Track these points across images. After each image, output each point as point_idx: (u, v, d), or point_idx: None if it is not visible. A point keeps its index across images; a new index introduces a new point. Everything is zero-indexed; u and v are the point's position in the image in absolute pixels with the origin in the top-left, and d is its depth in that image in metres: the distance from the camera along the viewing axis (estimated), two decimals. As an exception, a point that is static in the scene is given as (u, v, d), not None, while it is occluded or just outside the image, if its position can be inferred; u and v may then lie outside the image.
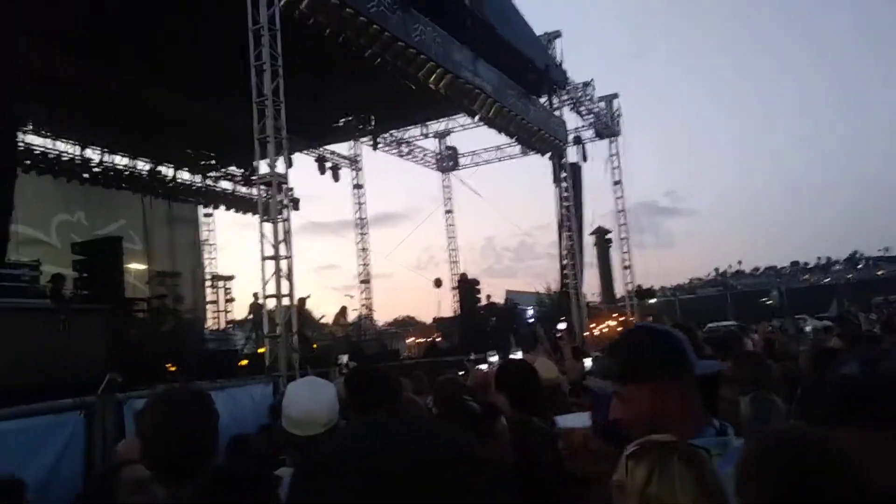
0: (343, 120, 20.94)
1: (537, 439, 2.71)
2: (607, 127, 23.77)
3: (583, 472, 1.94)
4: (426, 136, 24.39)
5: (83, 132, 17.08)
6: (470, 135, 24.48)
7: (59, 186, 17.21)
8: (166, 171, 19.64)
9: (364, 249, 24.68)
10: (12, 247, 11.12)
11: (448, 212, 26.96)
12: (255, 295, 13.96)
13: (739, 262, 76.06)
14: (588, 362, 9.47)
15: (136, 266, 17.18)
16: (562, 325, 17.11)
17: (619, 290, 26.69)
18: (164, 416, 2.19)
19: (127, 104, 16.06)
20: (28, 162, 16.22)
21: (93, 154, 17.91)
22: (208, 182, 21.24)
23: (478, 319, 19.98)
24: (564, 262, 21.57)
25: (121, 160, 18.63)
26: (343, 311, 18.24)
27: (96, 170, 17.87)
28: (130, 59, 14.78)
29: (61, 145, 17.33)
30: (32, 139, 16.56)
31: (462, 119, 22.22)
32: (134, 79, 15.87)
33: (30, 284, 9.51)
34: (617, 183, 24.30)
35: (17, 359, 8.13)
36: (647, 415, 1.73)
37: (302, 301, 18.38)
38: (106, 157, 18.09)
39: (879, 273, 63.04)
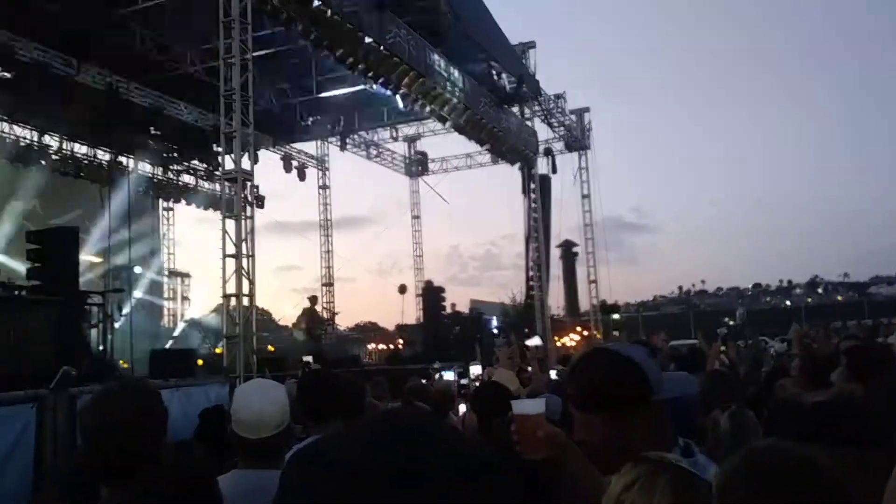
0: (311, 118, 20.83)
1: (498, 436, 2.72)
2: (577, 140, 23.99)
3: (533, 456, 1.94)
4: (396, 139, 24.37)
5: (42, 118, 16.73)
6: (440, 140, 24.56)
7: (14, 173, 16.83)
8: (126, 161, 19.34)
9: (328, 252, 24.54)
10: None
11: (415, 217, 26.97)
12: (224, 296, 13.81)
13: (703, 282, 77.13)
14: (553, 373, 9.48)
15: (91, 258, 16.86)
16: (535, 341, 17.13)
17: (584, 304, 26.90)
18: (106, 414, 2.11)
19: (90, 93, 15.82)
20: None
21: (51, 141, 17.52)
22: (170, 175, 20.96)
23: (442, 328, 19.97)
24: (531, 273, 21.70)
25: (80, 149, 18.28)
26: (310, 312, 18.07)
27: (55, 157, 17.48)
28: (97, 48, 14.59)
29: (18, 130, 16.95)
30: (-11, 123, 16.19)
31: (433, 124, 22.24)
32: (99, 68, 15.66)
33: (-21, 272, 9.29)
34: (585, 197, 24.49)
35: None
36: (604, 442, 1.71)
37: (312, 300, 18.24)
38: (65, 145, 17.75)
39: (839, 298, 64.34)
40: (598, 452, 1.72)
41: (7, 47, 14.04)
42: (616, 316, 33.22)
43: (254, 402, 2.78)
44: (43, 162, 17.01)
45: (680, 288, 75.29)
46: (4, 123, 16.63)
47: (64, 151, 17.72)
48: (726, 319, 45.83)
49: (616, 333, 27.45)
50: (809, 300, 65.38)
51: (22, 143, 16.87)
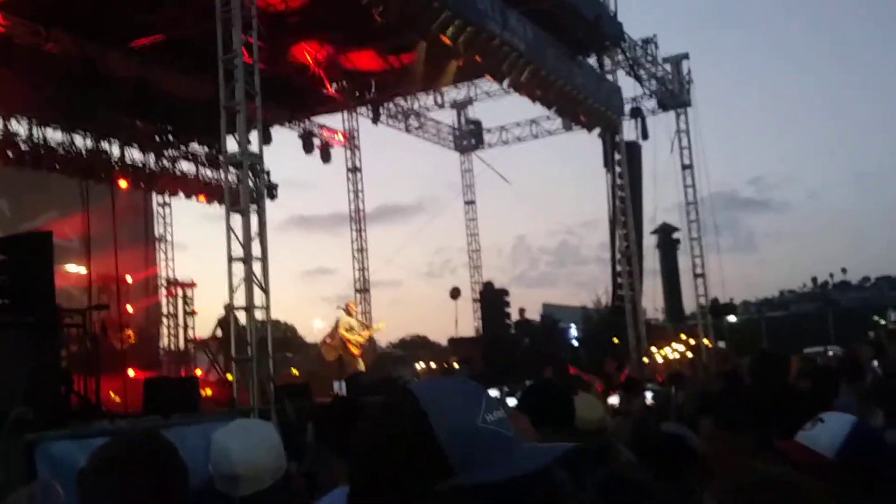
0: (335, 85, 20.88)
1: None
2: (674, 96, 23.62)
3: None
4: (441, 105, 24.37)
5: (6, 99, 17.09)
6: (497, 105, 24.48)
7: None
8: (111, 148, 19.63)
9: (361, 250, 24.64)
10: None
11: (468, 203, 26.93)
12: (227, 307, 13.96)
13: (844, 272, 75.27)
14: (648, 396, 9.35)
15: (71, 269, 17.19)
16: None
17: (690, 304, 26.48)
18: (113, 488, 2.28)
19: (65, 64, 16.05)
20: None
21: (19, 127, 17.90)
22: (164, 163, 21.24)
23: (506, 340, 19.88)
24: (618, 268, 21.43)
25: (54, 134, 18.61)
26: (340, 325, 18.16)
27: (24, 147, 17.85)
28: (67, 9, 14.81)
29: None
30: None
31: (487, 85, 22.18)
32: (74, 33, 15.88)
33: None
34: (686, 167, 24.13)
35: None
36: None
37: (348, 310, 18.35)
38: (35, 131, 18.09)
39: None
40: None
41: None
42: (732, 318, 32.76)
43: (235, 448, 2.78)
44: (10, 153, 17.37)
45: (814, 280, 73.56)
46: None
47: (35, 139, 18.06)
48: (877, 318, 44.73)
49: (721, 344, 26.91)
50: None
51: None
